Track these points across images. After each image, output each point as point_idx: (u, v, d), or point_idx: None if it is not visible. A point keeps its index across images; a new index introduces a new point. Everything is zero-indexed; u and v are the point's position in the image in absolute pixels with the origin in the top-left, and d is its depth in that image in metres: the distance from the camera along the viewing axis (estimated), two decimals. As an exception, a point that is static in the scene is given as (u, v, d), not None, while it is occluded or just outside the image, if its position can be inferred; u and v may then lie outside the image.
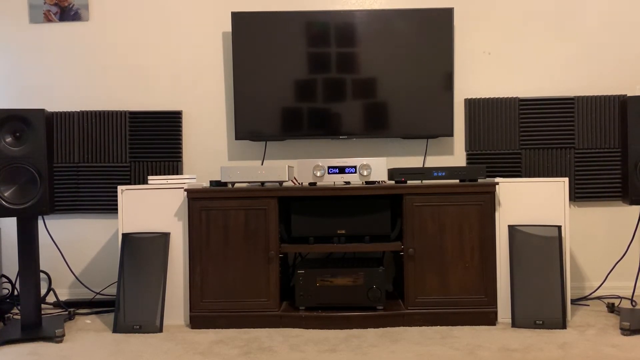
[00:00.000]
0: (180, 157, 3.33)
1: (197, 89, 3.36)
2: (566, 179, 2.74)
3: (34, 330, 2.64)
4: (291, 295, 2.96)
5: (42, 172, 2.60)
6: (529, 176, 3.23)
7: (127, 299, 2.73)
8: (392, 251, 3.16)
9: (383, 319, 2.70)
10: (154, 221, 2.83)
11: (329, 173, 2.80)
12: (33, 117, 2.59)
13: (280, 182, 2.82)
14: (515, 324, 2.65)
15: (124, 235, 2.82)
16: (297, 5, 3.32)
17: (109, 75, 3.38)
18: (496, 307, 2.72)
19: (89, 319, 2.95)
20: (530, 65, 3.30)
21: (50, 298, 3.27)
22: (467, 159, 3.29)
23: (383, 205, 2.82)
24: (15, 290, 3.14)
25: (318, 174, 2.79)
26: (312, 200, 2.84)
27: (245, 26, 3.17)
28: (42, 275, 3.29)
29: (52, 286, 3.31)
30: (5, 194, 2.57)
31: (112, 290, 3.25)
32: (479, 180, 2.83)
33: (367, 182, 2.83)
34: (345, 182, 2.88)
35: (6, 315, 2.91)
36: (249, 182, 2.88)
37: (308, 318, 2.71)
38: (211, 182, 2.91)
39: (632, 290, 3.14)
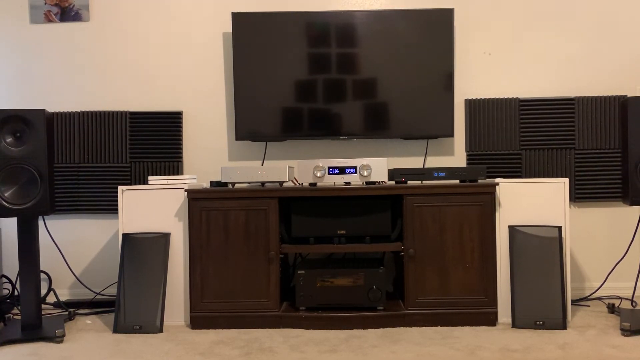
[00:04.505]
0: (181, 157, 3.33)
1: (197, 89, 3.36)
2: (566, 180, 2.74)
3: (34, 330, 2.63)
4: (291, 295, 2.96)
5: (42, 172, 2.60)
6: (529, 177, 3.23)
7: (128, 299, 2.73)
8: (393, 251, 3.16)
9: (383, 319, 2.70)
10: (155, 221, 2.83)
11: (329, 173, 2.80)
12: (33, 117, 2.59)
13: (281, 183, 2.82)
14: (515, 324, 2.65)
15: (124, 236, 2.81)
16: (297, 5, 3.32)
17: (109, 75, 3.38)
18: (496, 308, 2.72)
19: (89, 319, 2.95)
20: (530, 66, 3.30)
21: (51, 298, 3.27)
22: (468, 159, 3.30)
23: (383, 205, 2.82)
24: (16, 291, 3.14)
25: (318, 174, 2.79)
26: (312, 200, 2.84)
27: (245, 26, 3.17)
28: (42, 275, 3.29)
29: (52, 286, 3.31)
30: (6, 194, 2.57)
31: (113, 291, 3.25)
32: (479, 180, 2.83)
33: (367, 183, 2.83)
34: (345, 182, 2.88)
35: (6, 316, 2.91)
36: (249, 183, 2.88)
37: (308, 318, 2.71)
38: (211, 182, 2.92)
39: (632, 291, 3.14)
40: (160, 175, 3.31)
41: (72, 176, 3.32)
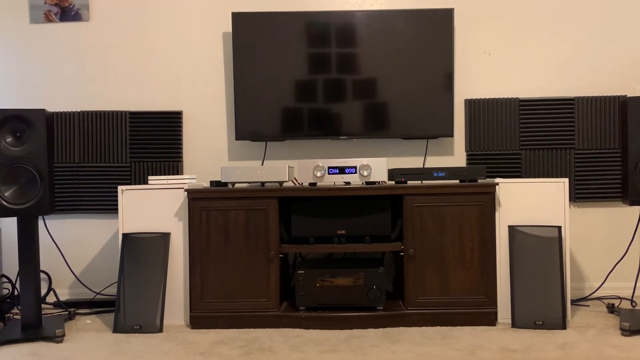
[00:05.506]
0: (181, 157, 3.33)
1: (197, 89, 3.36)
2: (566, 180, 2.74)
3: (34, 330, 2.64)
4: (291, 295, 2.96)
5: (42, 172, 2.60)
6: (529, 177, 3.23)
7: (128, 299, 2.73)
8: (393, 251, 3.16)
9: (383, 319, 2.70)
10: (154, 221, 2.83)
11: (329, 173, 2.80)
12: (33, 117, 2.59)
13: (281, 183, 2.82)
14: (515, 324, 2.65)
15: (124, 236, 2.82)
16: (297, 5, 3.32)
17: (109, 75, 3.38)
18: (496, 308, 2.72)
19: (89, 319, 2.95)
20: (530, 66, 3.30)
21: (51, 298, 3.27)
22: (467, 159, 3.30)
23: (383, 205, 2.82)
24: (16, 290, 3.14)
25: (318, 174, 2.79)
26: (312, 200, 2.84)
27: (245, 26, 3.17)
28: (42, 275, 3.29)
29: (52, 286, 3.31)
30: (6, 194, 2.57)
31: (112, 290, 3.25)
32: (479, 180, 2.83)
33: (367, 183, 2.83)
34: (345, 182, 2.88)
35: (6, 315, 2.91)
36: (249, 183, 2.88)
37: (308, 318, 2.71)
38: (211, 182, 2.92)
39: (632, 291, 3.14)
40: (160, 175, 3.31)
41: (72, 176, 3.32)
